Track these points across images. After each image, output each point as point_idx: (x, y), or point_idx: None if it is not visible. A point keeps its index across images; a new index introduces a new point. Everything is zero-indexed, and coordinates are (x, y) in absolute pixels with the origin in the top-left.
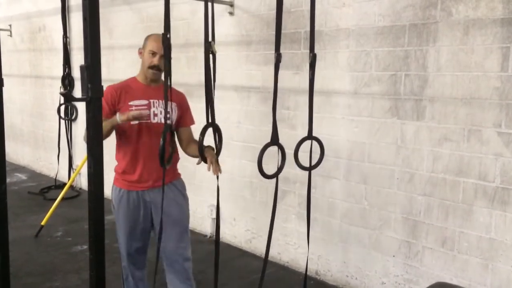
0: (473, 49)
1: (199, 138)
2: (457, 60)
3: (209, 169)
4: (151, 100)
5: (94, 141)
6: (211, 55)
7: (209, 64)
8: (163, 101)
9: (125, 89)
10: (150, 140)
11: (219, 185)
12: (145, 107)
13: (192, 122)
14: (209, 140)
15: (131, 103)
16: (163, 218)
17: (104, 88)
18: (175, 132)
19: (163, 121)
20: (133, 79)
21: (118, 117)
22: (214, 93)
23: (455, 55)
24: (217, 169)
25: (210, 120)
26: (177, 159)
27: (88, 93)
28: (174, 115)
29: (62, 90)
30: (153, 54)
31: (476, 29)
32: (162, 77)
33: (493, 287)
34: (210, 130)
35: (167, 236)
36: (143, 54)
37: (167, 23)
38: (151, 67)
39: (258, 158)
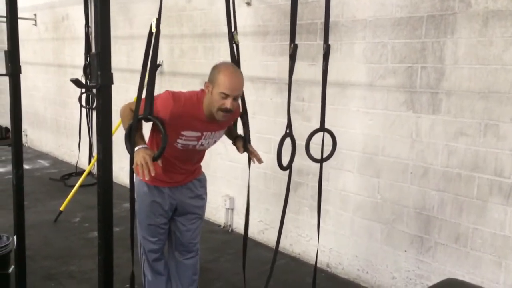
0: (492, 42)
1: (244, 131)
2: (475, 52)
3: (254, 161)
4: (205, 133)
5: (103, 127)
6: (234, 46)
7: (234, 54)
8: (217, 132)
9: (186, 119)
10: (187, 154)
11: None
12: (195, 138)
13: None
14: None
15: (183, 132)
16: (187, 211)
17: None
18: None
19: (207, 147)
20: (199, 109)
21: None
22: None
23: (473, 47)
24: (261, 159)
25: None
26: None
27: (98, 80)
28: (217, 141)
29: (83, 79)
30: (225, 96)
31: (496, 20)
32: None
33: (506, 285)
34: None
35: (187, 229)
36: (212, 91)
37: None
38: (222, 109)
39: (278, 150)
